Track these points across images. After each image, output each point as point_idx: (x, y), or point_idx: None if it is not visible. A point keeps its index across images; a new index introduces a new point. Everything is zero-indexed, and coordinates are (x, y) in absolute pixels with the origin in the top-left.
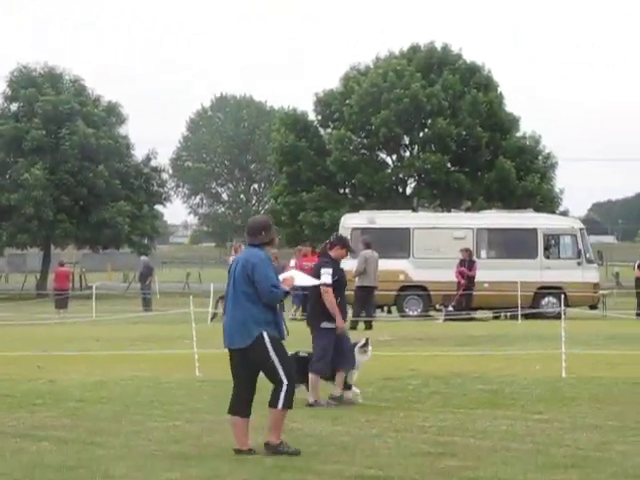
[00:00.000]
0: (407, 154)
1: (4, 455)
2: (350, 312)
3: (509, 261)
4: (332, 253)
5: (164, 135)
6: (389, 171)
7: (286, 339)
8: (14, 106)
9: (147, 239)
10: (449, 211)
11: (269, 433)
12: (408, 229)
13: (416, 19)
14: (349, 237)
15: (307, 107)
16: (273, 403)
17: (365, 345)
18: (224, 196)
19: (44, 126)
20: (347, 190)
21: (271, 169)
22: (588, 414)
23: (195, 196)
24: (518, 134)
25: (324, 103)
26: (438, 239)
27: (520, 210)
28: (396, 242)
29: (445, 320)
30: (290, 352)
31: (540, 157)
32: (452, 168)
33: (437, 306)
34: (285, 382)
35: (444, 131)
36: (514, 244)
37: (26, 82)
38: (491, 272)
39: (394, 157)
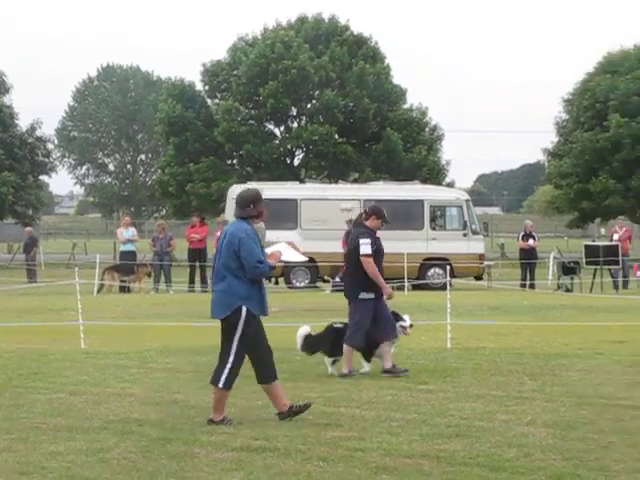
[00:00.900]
0: (295, 125)
1: None
2: None
3: (396, 232)
4: (368, 223)
5: (49, 104)
6: (277, 142)
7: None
8: None
9: (32, 210)
10: (336, 182)
11: (213, 410)
12: (295, 200)
13: None
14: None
15: (194, 77)
16: (214, 380)
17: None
18: (111, 167)
19: None
20: (235, 161)
21: (158, 140)
22: (472, 384)
23: (81, 166)
24: (405, 106)
25: (212, 74)
26: (325, 210)
27: (407, 182)
28: (283, 213)
29: (333, 291)
30: (325, 324)
31: (427, 129)
32: (339, 139)
33: (325, 277)
34: (230, 362)
35: (332, 102)
36: (401, 215)
37: None
38: None
39: (282, 128)
